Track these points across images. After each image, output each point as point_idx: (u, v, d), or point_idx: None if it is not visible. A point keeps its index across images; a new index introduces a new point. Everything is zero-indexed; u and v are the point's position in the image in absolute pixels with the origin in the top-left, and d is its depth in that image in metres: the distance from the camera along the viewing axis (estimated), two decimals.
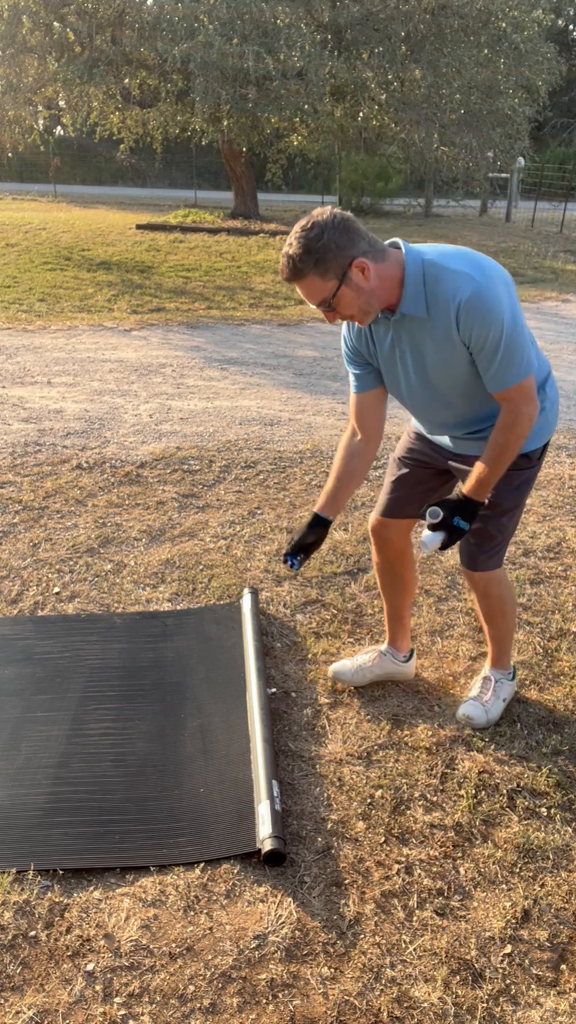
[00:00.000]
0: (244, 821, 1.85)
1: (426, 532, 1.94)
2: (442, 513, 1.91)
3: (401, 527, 2.24)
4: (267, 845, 1.76)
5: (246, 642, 2.48)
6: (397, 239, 1.79)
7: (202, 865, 1.78)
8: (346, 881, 1.76)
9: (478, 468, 1.88)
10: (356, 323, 1.85)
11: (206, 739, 2.13)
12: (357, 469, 2.06)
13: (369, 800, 1.98)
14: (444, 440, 2.08)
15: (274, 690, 2.22)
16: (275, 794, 1.88)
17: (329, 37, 12.30)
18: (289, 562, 2.03)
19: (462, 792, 2.01)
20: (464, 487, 1.91)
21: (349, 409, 2.06)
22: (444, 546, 1.93)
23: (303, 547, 2.04)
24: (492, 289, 1.68)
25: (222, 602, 2.79)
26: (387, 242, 1.77)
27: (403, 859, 1.82)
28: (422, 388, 1.92)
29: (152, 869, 1.77)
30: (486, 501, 1.92)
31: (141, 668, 2.43)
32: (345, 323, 1.93)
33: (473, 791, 2.01)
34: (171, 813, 1.90)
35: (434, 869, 1.80)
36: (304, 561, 2.05)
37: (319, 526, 2.05)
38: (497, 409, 1.86)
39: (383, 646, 2.43)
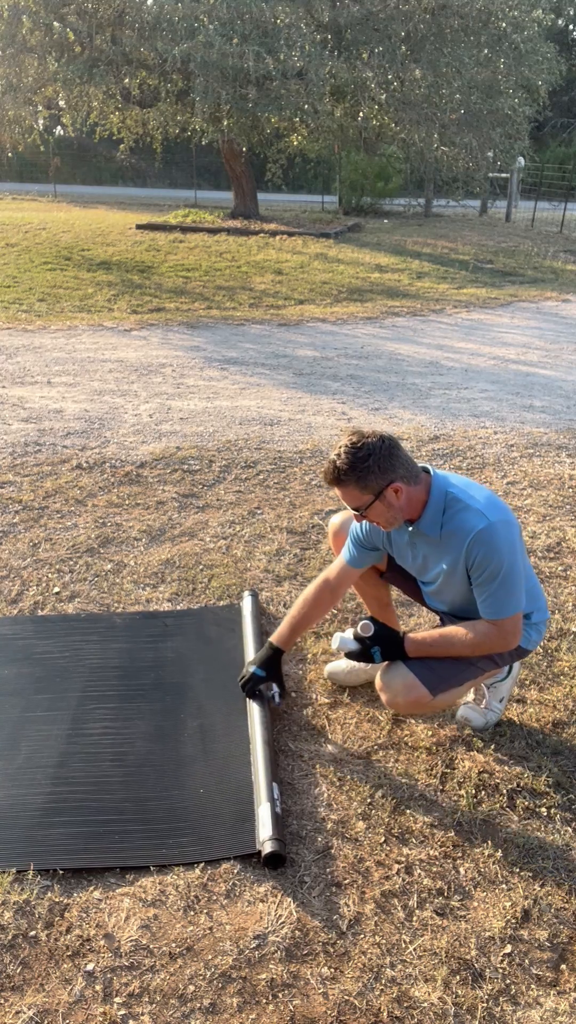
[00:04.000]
0: (244, 823, 1.85)
1: (348, 635, 2.08)
2: (371, 633, 2.03)
3: (376, 580, 2.33)
4: (267, 848, 1.76)
5: (246, 644, 2.48)
6: (428, 464, 1.99)
7: (202, 865, 1.78)
8: (346, 881, 1.76)
9: (434, 633, 2.03)
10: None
11: (206, 740, 2.13)
12: (315, 614, 2.22)
13: (369, 800, 1.98)
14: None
15: (274, 695, 2.22)
16: (275, 796, 1.88)
17: (329, 37, 12.29)
18: (275, 693, 2.21)
19: (462, 792, 2.01)
20: (409, 636, 2.03)
21: (332, 568, 2.20)
22: (352, 657, 2.09)
23: (269, 673, 2.19)
24: (499, 531, 1.88)
25: (222, 602, 2.79)
26: (420, 465, 1.96)
27: (403, 859, 1.82)
28: (423, 584, 2.12)
29: (152, 869, 1.77)
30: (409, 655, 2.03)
31: (141, 668, 2.43)
32: None
33: (473, 791, 2.01)
34: (171, 813, 1.90)
35: (434, 869, 1.80)
36: (281, 696, 2.23)
37: (274, 654, 2.21)
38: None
39: None
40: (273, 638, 2.22)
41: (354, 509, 1.93)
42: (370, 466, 1.84)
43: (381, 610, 2.37)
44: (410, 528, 2.00)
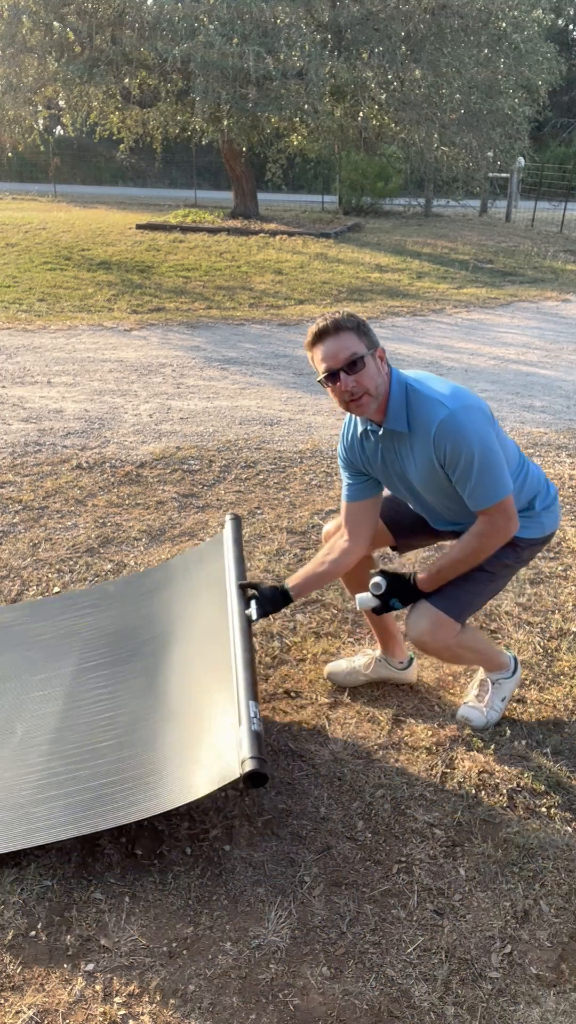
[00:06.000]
0: (228, 752, 1.76)
1: (364, 594, 2.06)
2: (383, 588, 2.01)
3: (363, 564, 2.23)
4: (247, 767, 1.66)
5: (228, 573, 2.33)
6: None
7: (202, 865, 1.78)
8: (346, 881, 1.76)
9: (439, 561, 1.98)
10: (360, 415, 1.93)
11: (193, 682, 2.05)
12: (333, 568, 2.13)
13: (369, 800, 1.98)
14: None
15: (250, 611, 2.08)
16: (252, 715, 1.79)
17: (329, 37, 12.30)
18: (252, 611, 2.09)
19: (462, 792, 2.01)
20: (420, 575, 2.00)
21: (342, 514, 2.15)
22: (375, 612, 2.06)
23: (262, 599, 2.10)
24: (464, 415, 1.81)
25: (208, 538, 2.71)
26: None
27: (403, 859, 1.82)
28: (412, 496, 2.06)
29: (152, 869, 1.77)
30: (432, 591, 2.00)
31: (132, 628, 2.38)
32: (341, 436, 2.08)
33: (473, 791, 2.01)
34: (163, 763, 1.84)
35: (434, 869, 1.80)
36: (262, 616, 2.10)
37: (283, 597, 2.11)
38: (472, 520, 1.97)
39: (377, 652, 2.42)
40: (288, 582, 2.13)
41: (347, 362, 1.80)
42: (365, 323, 1.85)
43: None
44: (380, 432, 1.94)
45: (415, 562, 3.11)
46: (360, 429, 2.02)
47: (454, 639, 2.01)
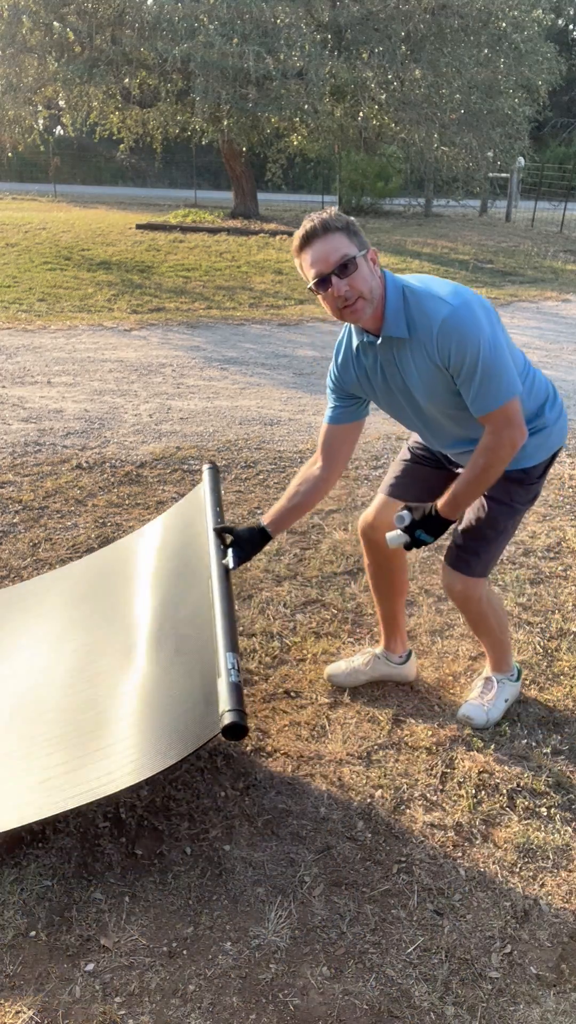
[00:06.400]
0: (210, 705, 1.72)
1: (392, 532, 2.00)
2: (408, 521, 1.95)
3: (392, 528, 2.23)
4: (225, 720, 1.62)
5: (207, 523, 2.29)
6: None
7: (202, 865, 1.78)
8: (346, 881, 1.76)
9: (455, 485, 1.90)
10: (354, 322, 1.83)
11: (179, 638, 2.00)
12: (307, 499, 2.09)
13: (369, 800, 1.98)
14: (446, 452, 2.10)
15: (227, 560, 2.05)
16: (230, 666, 1.74)
17: (329, 37, 12.30)
18: (230, 559, 2.04)
19: (462, 792, 2.01)
20: (439, 502, 1.93)
21: (319, 437, 2.09)
22: (407, 548, 2.00)
23: (238, 543, 2.06)
24: (467, 311, 1.72)
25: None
26: None
27: (403, 859, 1.82)
28: (414, 412, 1.96)
29: (152, 869, 1.77)
30: (457, 518, 1.95)
31: (124, 590, 2.35)
32: (334, 355, 1.99)
33: (473, 791, 2.01)
34: (151, 725, 1.81)
35: (434, 869, 1.80)
36: (242, 561, 2.06)
37: (260, 536, 2.07)
38: (479, 431, 1.88)
39: (377, 649, 2.42)
40: (264, 519, 2.08)
41: (338, 265, 1.69)
42: (353, 222, 1.73)
43: (393, 598, 2.35)
44: (378, 342, 1.82)
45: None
46: (356, 343, 1.90)
47: (484, 594, 2.11)
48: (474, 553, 2.06)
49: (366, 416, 2.07)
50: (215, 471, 2.47)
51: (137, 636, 2.13)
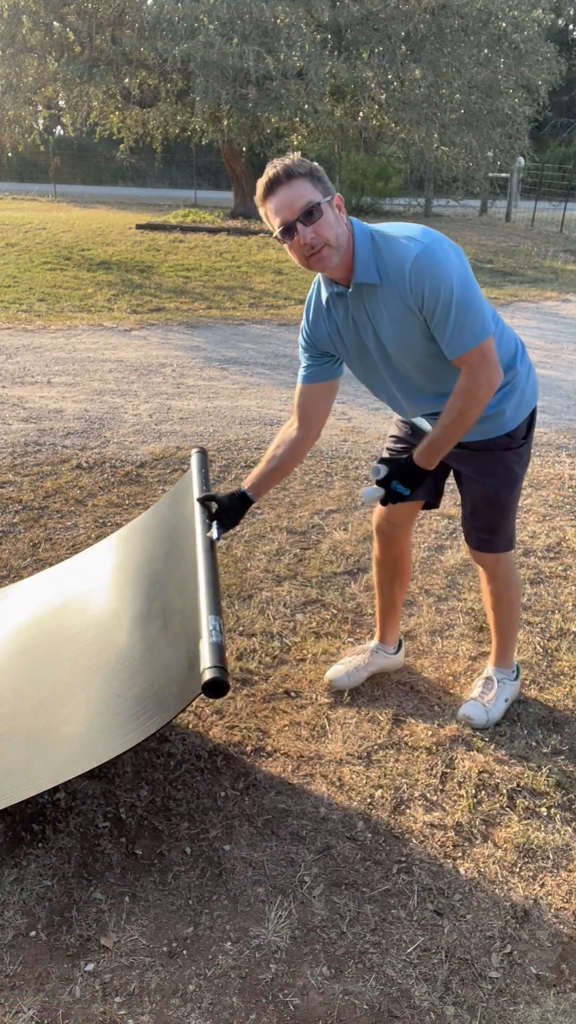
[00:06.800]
0: (193, 669, 1.70)
1: (368, 488, 1.96)
2: (383, 473, 1.92)
3: (405, 524, 2.26)
4: (205, 676, 1.60)
5: (195, 504, 2.26)
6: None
7: (202, 865, 1.78)
8: (346, 881, 1.76)
9: (432, 432, 1.86)
10: (321, 270, 1.77)
11: (166, 614, 1.99)
12: (286, 462, 2.07)
13: (369, 800, 1.98)
14: (424, 423, 2.06)
15: (212, 532, 2.03)
16: (211, 627, 1.73)
17: (329, 37, 12.30)
18: (214, 531, 2.02)
19: (462, 792, 2.01)
20: (415, 451, 1.89)
21: (294, 398, 2.08)
22: (383, 503, 1.96)
23: (222, 511, 2.05)
24: (439, 250, 1.68)
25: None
26: None
27: (403, 859, 1.82)
28: (386, 369, 1.91)
29: (152, 869, 1.77)
30: (432, 468, 1.91)
31: (119, 578, 2.36)
32: (305, 312, 1.95)
33: (473, 791, 2.01)
34: (140, 696, 1.80)
35: (434, 869, 1.80)
36: (227, 529, 2.06)
37: (242, 501, 2.07)
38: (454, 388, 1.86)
39: (372, 643, 2.44)
40: (244, 484, 2.08)
41: (303, 212, 1.65)
42: (317, 168, 1.69)
43: (395, 587, 2.37)
44: (349, 291, 1.79)
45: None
46: (325, 296, 1.87)
47: (513, 569, 2.20)
48: (492, 532, 2.11)
49: (341, 375, 2.04)
50: (203, 454, 2.45)
51: (125, 617, 2.13)
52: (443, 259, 1.68)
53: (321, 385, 2.01)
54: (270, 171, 1.67)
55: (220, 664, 1.62)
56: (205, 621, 1.74)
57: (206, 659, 1.64)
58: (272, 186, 1.67)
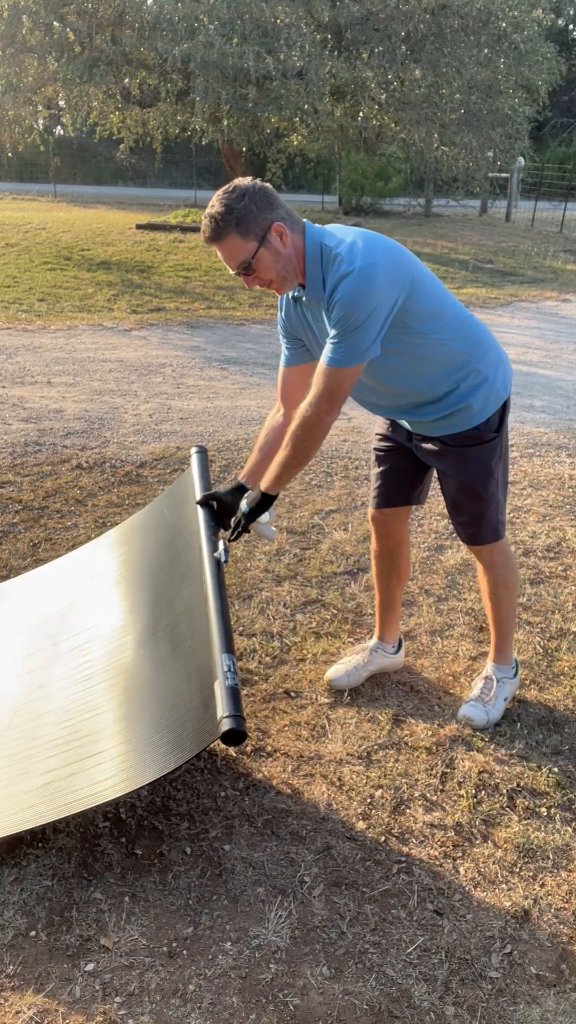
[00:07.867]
0: (208, 709, 1.69)
1: (264, 527, 2.07)
2: (244, 511, 2.02)
3: (400, 516, 2.29)
4: (224, 726, 1.59)
5: (199, 514, 2.26)
6: (304, 220, 1.84)
7: (202, 865, 1.78)
8: (346, 881, 1.76)
9: (273, 466, 1.95)
10: (281, 295, 1.90)
11: (174, 637, 1.98)
12: (275, 448, 2.08)
13: (369, 800, 1.98)
14: (399, 420, 2.13)
15: (219, 553, 2.04)
16: (227, 669, 1.72)
17: (329, 37, 12.29)
18: (221, 553, 2.05)
19: (462, 792, 2.01)
20: (263, 482, 1.98)
21: (277, 385, 2.13)
22: (256, 530, 2.06)
23: (223, 509, 2.12)
24: (367, 276, 1.70)
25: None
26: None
27: (403, 859, 1.82)
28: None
29: (152, 869, 1.77)
30: (278, 494, 2.00)
31: (116, 589, 2.34)
32: (280, 299, 2.00)
33: (473, 791, 2.01)
34: (152, 726, 1.78)
35: (434, 869, 1.80)
36: (234, 539, 2.10)
37: (242, 494, 2.11)
38: (415, 386, 1.93)
39: (372, 642, 2.44)
40: (241, 477, 2.14)
41: (241, 268, 1.76)
42: (247, 204, 1.70)
43: (395, 584, 2.39)
44: (304, 298, 1.86)
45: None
46: (292, 294, 1.94)
47: (509, 556, 2.22)
48: (475, 524, 2.13)
49: (318, 358, 2.05)
50: (203, 453, 2.45)
51: (132, 635, 2.12)
52: (363, 290, 1.71)
53: (300, 367, 2.07)
54: (203, 227, 1.75)
55: (238, 712, 1.62)
56: (220, 661, 1.73)
57: (224, 706, 1.63)
58: (208, 242, 1.76)
